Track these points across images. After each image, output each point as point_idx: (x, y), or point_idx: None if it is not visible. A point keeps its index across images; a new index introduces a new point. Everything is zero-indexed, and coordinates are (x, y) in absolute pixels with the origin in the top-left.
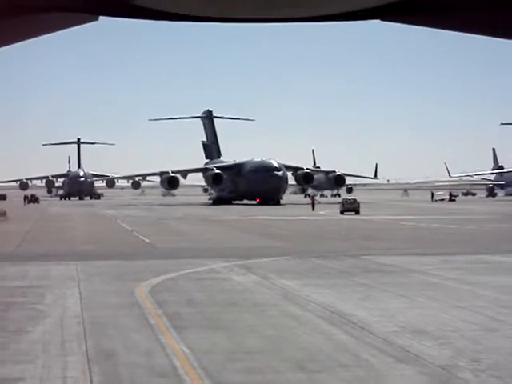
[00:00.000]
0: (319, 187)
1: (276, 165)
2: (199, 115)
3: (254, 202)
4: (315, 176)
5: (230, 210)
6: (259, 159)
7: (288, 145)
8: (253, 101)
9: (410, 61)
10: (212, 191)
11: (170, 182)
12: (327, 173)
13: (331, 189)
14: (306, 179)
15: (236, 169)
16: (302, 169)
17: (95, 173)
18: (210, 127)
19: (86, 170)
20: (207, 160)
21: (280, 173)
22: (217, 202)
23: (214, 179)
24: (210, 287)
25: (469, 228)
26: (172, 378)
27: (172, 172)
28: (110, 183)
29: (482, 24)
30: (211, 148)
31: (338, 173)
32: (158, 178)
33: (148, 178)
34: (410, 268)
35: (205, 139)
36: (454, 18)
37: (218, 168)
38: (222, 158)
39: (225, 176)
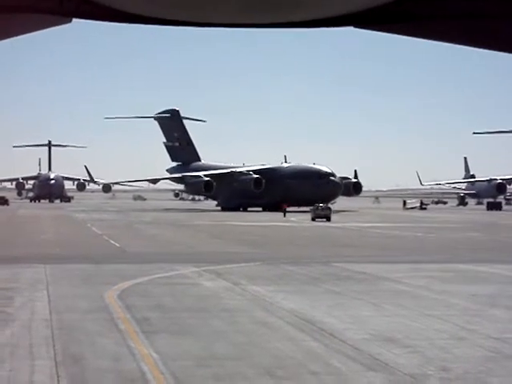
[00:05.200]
0: None
1: (329, 170)
2: (154, 115)
3: (263, 210)
4: None
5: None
6: (302, 164)
7: (256, 150)
8: (217, 103)
9: (381, 69)
10: (218, 196)
11: (206, 186)
12: (341, 179)
13: (348, 195)
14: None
15: (270, 174)
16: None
17: (67, 175)
18: (178, 128)
19: (57, 173)
20: (177, 163)
21: (337, 179)
22: (228, 208)
23: (255, 184)
24: (179, 292)
25: (439, 236)
26: (140, 383)
27: (205, 176)
28: (81, 186)
29: (456, 33)
30: (181, 150)
31: (353, 180)
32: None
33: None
34: (381, 276)
35: (164, 140)
36: (425, 27)
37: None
38: (203, 161)
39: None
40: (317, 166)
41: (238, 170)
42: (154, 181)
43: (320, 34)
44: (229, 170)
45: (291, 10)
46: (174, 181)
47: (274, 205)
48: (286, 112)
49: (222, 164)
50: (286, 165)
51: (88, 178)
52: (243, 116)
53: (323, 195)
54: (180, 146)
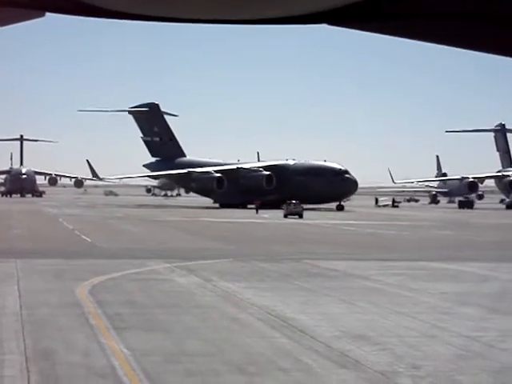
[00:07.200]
0: None
1: (343, 168)
2: (130, 109)
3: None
4: None
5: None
6: (311, 161)
7: (228, 145)
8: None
9: (353, 66)
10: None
11: (218, 183)
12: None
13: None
14: None
15: (279, 171)
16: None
17: (38, 170)
18: (158, 122)
19: (29, 168)
20: (157, 158)
21: (352, 176)
22: (230, 205)
23: (266, 181)
24: (151, 288)
25: (410, 234)
26: (111, 378)
27: (215, 172)
28: (53, 181)
29: (429, 32)
30: (163, 145)
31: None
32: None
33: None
34: (352, 273)
35: (141, 135)
36: (399, 25)
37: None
38: (188, 156)
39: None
40: (330, 163)
41: (245, 166)
42: (156, 177)
43: (295, 30)
44: (235, 167)
45: (263, 6)
46: (171, 178)
47: (284, 202)
48: (259, 107)
49: (214, 160)
50: (292, 162)
51: (84, 176)
52: (215, 111)
53: (339, 193)
54: (161, 140)
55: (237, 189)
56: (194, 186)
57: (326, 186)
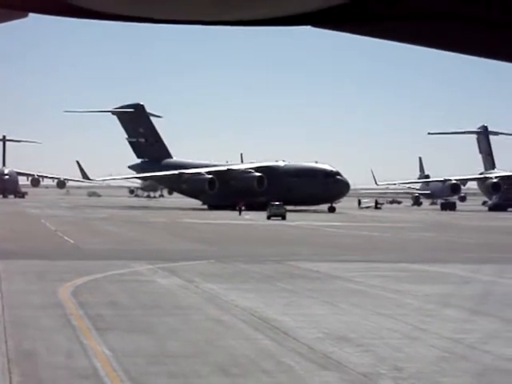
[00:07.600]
0: None
1: (334, 169)
2: (115, 109)
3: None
4: None
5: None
6: (301, 163)
7: (212, 146)
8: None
9: (336, 68)
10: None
11: (210, 184)
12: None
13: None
14: None
15: (270, 172)
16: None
17: (21, 171)
18: (144, 123)
19: (11, 168)
20: (142, 159)
21: (343, 177)
22: (219, 207)
23: (258, 183)
24: (133, 289)
25: (392, 236)
26: (93, 380)
27: (206, 173)
28: (35, 182)
29: (411, 33)
30: (149, 146)
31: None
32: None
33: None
34: (335, 274)
35: (126, 136)
36: (382, 27)
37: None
38: (175, 158)
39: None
40: (321, 165)
41: (235, 167)
42: (145, 178)
43: (280, 31)
44: (226, 168)
45: (248, 8)
46: (161, 179)
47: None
48: (242, 108)
49: (203, 162)
50: (282, 163)
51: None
52: (199, 112)
53: (330, 194)
54: (147, 142)
55: (227, 190)
56: (185, 188)
57: (317, 188)
